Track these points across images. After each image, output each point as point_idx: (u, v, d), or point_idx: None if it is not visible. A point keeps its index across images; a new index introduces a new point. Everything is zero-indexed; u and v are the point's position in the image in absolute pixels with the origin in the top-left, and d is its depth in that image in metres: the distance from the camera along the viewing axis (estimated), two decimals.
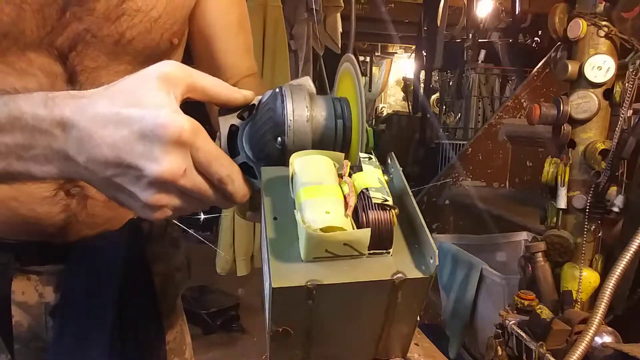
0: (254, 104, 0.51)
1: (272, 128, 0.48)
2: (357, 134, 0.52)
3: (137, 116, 0.41)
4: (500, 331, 1.13)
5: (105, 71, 0.67)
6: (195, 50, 0.85)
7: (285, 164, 0.49)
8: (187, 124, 0.42)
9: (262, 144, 0.49)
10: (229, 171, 0.46)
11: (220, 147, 0.49)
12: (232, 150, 0.51)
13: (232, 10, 0.85)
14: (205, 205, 0.48)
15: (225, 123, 0.50)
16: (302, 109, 0.48)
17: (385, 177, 0.51)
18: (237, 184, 0.48)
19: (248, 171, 0.50)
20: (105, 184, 0.44)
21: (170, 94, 0.43)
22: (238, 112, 0.51)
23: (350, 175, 0.50)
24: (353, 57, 0.55)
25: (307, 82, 0.53)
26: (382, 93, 8.56)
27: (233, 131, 0.50)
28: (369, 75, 7.54)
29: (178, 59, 0.79)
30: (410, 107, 6.41)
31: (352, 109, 0.52)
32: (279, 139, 0.48)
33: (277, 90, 0.50)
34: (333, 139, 0.50)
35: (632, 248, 0.91)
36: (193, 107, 0.51)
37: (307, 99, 0.49)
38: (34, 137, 0.43)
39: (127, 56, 0.68)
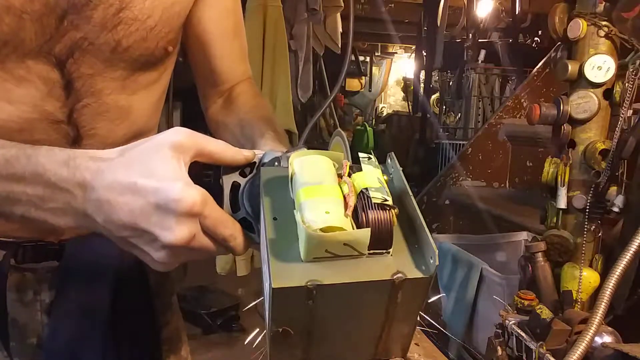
0: (254, 162, 0.55)
1: None
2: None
3: (153, 188, 0.46)
4: (500, 331, 1.13)
5: (101, 78, 0.69)
6: (191, 56, 0.87)
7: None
8: (198, 197, 0.46)
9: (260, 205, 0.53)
10: (232, 231, 0.51)
11: (223, 202, 0.54)
12: (234, 205, 0.54)
13: (227, 16, 0.86)
14: (209, 256, 0.53)
15: (228, 181, 0.54)
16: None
17: (385, 177, 0.51)
18: (239, 241, 0.52)
19: (247, 226, 0.54)
20: (121, 241, 0.49)
21: (181, 161, 0.48)
22: (240, 169, 0.55)
23: (349, 175, 0.51)
24: (343, 134, 0.61)
25: (304, 150, 0.57)
26: (382, 93, 8.55)
27: (235, 187, 0.55)
28: (369, 75, 7.54)
29: (171, 65, 0.80)
30: (410, 107, 6.41)
31: None
32: None
33: (276, 157, 0.55)
34: None
35: (632, 248, 0.91)
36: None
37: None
38: (54, 193, 0.48)
39: (123, 63, 0.70)
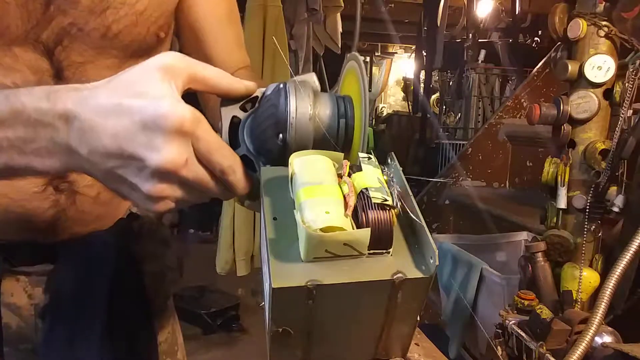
0: (256, 96, 0.50)
1: (274, 124, 0.48)
2: (360, 134, 0.51)
3: (138, 106, 0.41)
4: (500, 331, 1.13)
5: (92, 65, 0.67)
6: (185, 45, 0.85)
7: (286, 160, 0.49)
8: (188, 114, 0.42)
9: (264, 139, 0.49)
10: (231, 162, 0.46)
11: (221, 138, 0.48)
12: (233, 142, 0.50)
13: (221, 3, 0.84)
14: (207, 196, 0.48)
15: (227, 114, 0.50)
16: (305, 107, 0.48)
17: (385, 177, 0.51)
18: (239, 175, 0.48)
19: (248, 164, 0.50)
20: (108, 176, 0.44)
21: (172, 84, 0.44)
22: (240, 103, 0.50)
23: (349, 175, 0.51)
24: (359, 56, 0.54)
25: (312, 78, 0.52)
26: (382, 93, 8.55)
27: (235, 123, 0.50)
28: (369, 75, 7.54)
29: (163, 51, 0.78)
30: (410, 107, 6.41)
31: (356, 108, 0.51)
32: (281, 135, 0.47)
33: (281, 85, 0.49)
34: (335, 138, 0.50)
35: (632, 248, 0.91)
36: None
37: (310, 96, 0.48)
38: (36, 130, 0.43)
39: (114, 50, 0.68)
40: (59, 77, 0.65)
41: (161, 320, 0.88)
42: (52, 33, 0.63)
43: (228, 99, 0.51)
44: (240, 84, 0.50)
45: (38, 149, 0.44)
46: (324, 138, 0.49)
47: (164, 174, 0.43)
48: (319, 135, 0.49)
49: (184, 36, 0.84)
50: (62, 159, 0.45)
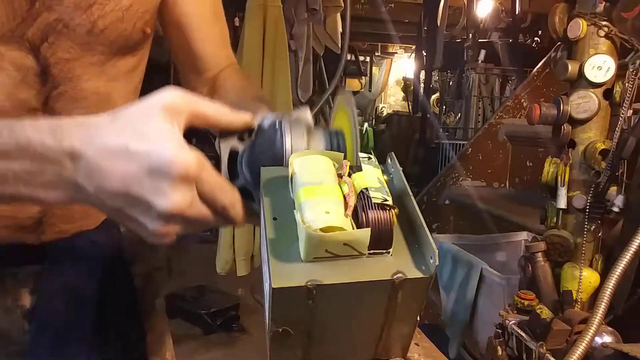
0: (252, 128, 0.52)
1: (270, 161, 0.50)
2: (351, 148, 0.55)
3: (145, 152, 0.43)
4: (500, 331, 1.13)
5: (79, 63, 0.67)
6: (171, 42, 0.85)
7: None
8: (193, 160, 0.44)
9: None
10: (232, 199, 0.48)
11: (221, 169, 0.51)
12: (232, 172, 0.52)
13: (206, 0, 0.85)
14: (206, 227, 0.50)
15: (226, 147, 0.51)
16: (300, 144, 0.51)
17: (385, 177, 0.51)
18: (238, 210, 0.50)
19: (246, 194, 0.51)
20: (115, 212, 0.46)
21: (174, 124, 0.45)
22: (238, 133, 0.52)
23: (349, 175, 0.51)
24: (350, 92, 0.57)
25: (306, 114, 0.55)
26: (382, 93, 8.55)
27: (233, 154, 0.52)
28: (369, 75, 7.54)
29: (148, 48, 0.78)
30: (410, 107, 6.41)
31: (347, 142, 0.54)
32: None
33: (277, 122, 0.52)
34: None
35: (632, 248, 0.91)
36: None
37: (305, 134, 0.51)
38: (43, 165, 0.45)
39: (100, 46, 0.67)
40: (44, 74, 0.65)
41: (150, 321, 0.88)
42: (37, 30, 0.62)
43: (226, 132, 0.52)
44: (238, 120, 0.51)
45: (44, 182, 0.45)
46: None
47: (169, 216, 0.45)
48: None
49: (170, 33, 0.83)
50: (68, 192, 0.46)
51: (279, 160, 0.50)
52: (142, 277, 0.85)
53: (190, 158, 0.43)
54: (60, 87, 0.66)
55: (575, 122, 1.15)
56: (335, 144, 0.53)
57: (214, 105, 0.50)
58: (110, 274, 0.76)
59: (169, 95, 0.46)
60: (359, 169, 0.52)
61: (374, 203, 0.46)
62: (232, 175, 0.52)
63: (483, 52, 4.55)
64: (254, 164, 0.51)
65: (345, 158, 0.53)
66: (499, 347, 1.11)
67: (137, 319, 0.83)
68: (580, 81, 1.13)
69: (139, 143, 0.43)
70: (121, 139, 0.44)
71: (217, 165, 0.50)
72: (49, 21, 0.62)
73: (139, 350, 0.83)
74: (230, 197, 0.48)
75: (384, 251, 0.47)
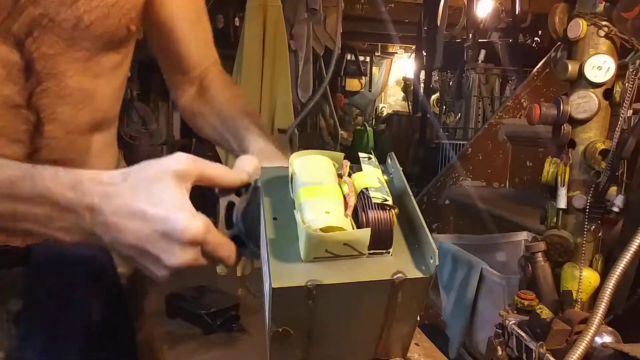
0: (249, 183, 0.58)
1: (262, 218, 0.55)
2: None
3: (161, 218, 0.49)
4: (500, 331, 1.13)
5: (63, 58, 0.66)
6: (155, 43, 0.85)
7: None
8: (201, 227, 0.50)
9: (254, 226, 0.56)
10: (229, 253, 0.55)
11: (219, 220, 0.57)
12: (228, 222, 0.57)
13: (191, 2, 0.85)
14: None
15: (224, 201, 0.57)
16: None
17: (385, 177, 0.51)
18: (233, 259, 0.56)
19: (239, 242, 0.57)
20: (127, 258, 0.53)
21: (184, 188, 0.51)
22: (235, 190, 0.58)
23: (349, 175, 0.51)
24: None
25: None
26: (382, 93, 8.54)
27: (230, 205, 0.58)
28: (369, 75, 7.53)
29: (132, 47, 0.78)
30: (410, 107, 6.40)
31: None
32: None
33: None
34: None
35: (632, 248, 0.91)
36: None
37: None
38: (62, 214, 0.51)
39: (85, 42, 0.67)
40: (28, 69, 0.64)
41: (140, 322, 0.88)
42: (23, 24, 0.62)
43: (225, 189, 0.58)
44: (238, 179, 0.57)
45: (61, 227, 0.51)
46: None
47: (176, 269, 0.52)
48: None
49: (155, 34, 0.84)
50: (83, 237, 0.52)
51: None
52: (128, 278, 0.84)
53: (199, 226, 0.50)
54: (44, 83, 0.66)
55: (575, 122, 1.15)
56: None
57: (217, 167, 0.55)
58: (97, 275, 0.76)
59: (180, 161, 0.52)
60: (359, 169, 0.52)
61: (374, 203, 0.46)
62: (228, 225, 0.57)
63: (483, 52, 4.54)
64: (248, 217, 0.56)
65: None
66: (499, 347, 1.11)
67: (126, 321, 0.83)
68: (580, 81, 1.13)
69: (154, 209, 0.49)
70: (137, 202, 0.50)
71: (215, 209, 0.57)
72: (34, 15, 0.62)
73: (128, 351, 0.83)
74: (227, 251, 0.55)
75: (384, 251, 0.48)
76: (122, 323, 0.82)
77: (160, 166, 0.52)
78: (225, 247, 0.54)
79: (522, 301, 1.11)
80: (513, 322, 1.09)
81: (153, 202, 0.50)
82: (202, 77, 0.89)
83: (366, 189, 0.47)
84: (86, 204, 0.50)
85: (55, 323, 0.71)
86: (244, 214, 0.57)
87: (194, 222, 0.50)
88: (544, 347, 0.97)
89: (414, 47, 5.63)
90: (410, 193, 0.52)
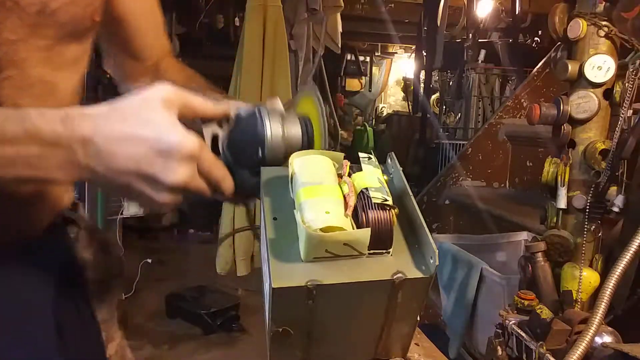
0: (229, 116, 0.62)
1: (254, 142, 0.59)
2: (319, 146, 0.63)
3: (154, 136, 0.50)
4: (500, 331, 1.13)
5: (24, 45, 0.63)
6: (108, 34, 0.84)
7: (264, 168, 0.58)
8: (197, 142, 0.51)
9: (244, 154, 0.59)
10: (223, 174, 0.56)
11: None
12: (215, 153, 0.59)
13: None
14: (200, 198, 0.57)
15: (208, 132, 0.60)
16: (278, 129, 0.60)
17: (385, 177, 0.51)
18: (229, 182, 0.57)
19: (228, 170, 0.60)
20: (121, 187, 0.52)
21: (172, 113, 0.52)
22: (217, 121, 0.61)
23: (349, 175, 0.51)
24: (315, 86, 0.69)
25: (278, 103, 0.65)
26: (382, 93, 8.54)
27: (214, 138, 0.60)
28: (369, 75, 7.53)
29: (92, 41, 0.76)
30: (410, 107, 6.40)
31: (315, 126, 0.64)
32: (260, 151, 0.59)
33: (257, 111, 0.61)
34: (299, 146, 0.61)
35: (632, 248, 0.91)
36: None
37: (281, 120, 0.61)
38: (53, 150, 0.50)
39: (49, 30, 0.65)
40: None
41: (109, 331, 0.84)
42: None
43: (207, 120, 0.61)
44: (219, 109, 0.60)
45: (52, 165, 0.50)
46: (292, 150, 0.60)
47: (175, 189, 0.52)
48: (289, 148, 0.60)
49: (108, 25, 0.82)
50: (75, 173, 0.51)
51: (261, 142, 0.59)
52: (96, 285, 0.81)
53: (194, 140, 0.51)
54: (5, 72, 0.63)
55: (575, 122, 1.15)
56: (304, 127, 0.62)
57: (198, 98, 0.57)
58: (65, 282, 0.72)
59: (164, 89, 0.53)
60: (359, 169, 0.52)
61: (374, 203, 0.46)
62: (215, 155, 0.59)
63: (483, 52, 4.54)
64: (235, 145, 0.60)
65: (313, 143, 0.60)
66: (499, 347, 1.11)
67: (96, 330, 0.79)
68: (580, 81, 1.13)
69: (146, 129, 0.50)
70: (128, 126, 0.50)
71: None
72: None
73: (95, 347, 0.79)
74: (222, 172, 0.56)
75: (384, 251, 0.48)
76: (93, 334, 0.79)
77: (146, 94, 0.53)
78: (220, 167, 0.56)
79: (522, 301, 1.11)
80: (513, 322, 1.09)
81: (145, 124, 0.50)
82: (157, 65, 0.89)
83: (366, 189, 0.47)
84: (77, 137, 0.50)
85: (22, 333, 0.67)
86: (229, 143, 0.60)
87: (189, 138, 0.51)
88: (544, 347, 0.97)
89: (414, 47, 5.63)
90: (410, 193, 0.52)
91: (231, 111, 0.62)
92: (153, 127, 0.50)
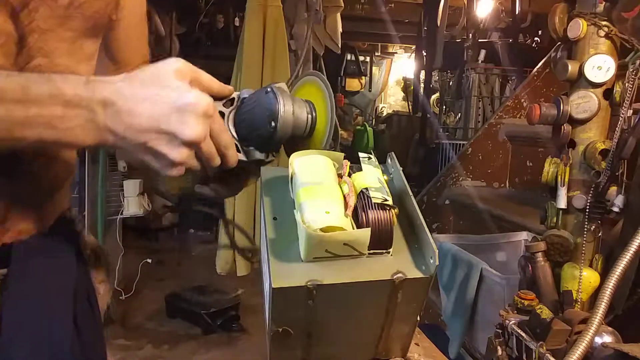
0: (233, 97, 0.65)
1: (266, 114, 0.62)
2: (324, 127, 0.65)
3: (172, 96, 0.54)
4: (500, 331, 1.12)
5: (53, 35, 0.66)
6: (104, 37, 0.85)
7: (272, 144, 0.60)
8: (211, 101, 0.55)
9: (256, 126, 0.62)
10: (230, 140, 0.60)
11: None
12: None
13: (141, 3, 0.88)
14: (208, 168, 0.59)
15: (216, 107, 0.62)
16: (289, 105, 0.63)
17: (385, 177, 0.51)
18: (232, 151, 0.60)
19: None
20: (138, 147, 0.55)
21: (186, 82, 0.55)
22: (224, 101, 0.64)
23: (349, 175, 0.51)
24: (319, 73, 0.71)
25: (285, 85, 0.67)
26: (382, 93, 8.54)
27: (221, 115, 0.63)
28: (369, 75, 7.53)
29: (101, 41, 0.79)
30: (410, 107, 6.40)
31: (320, 110, 0.66)
32: (273, 123, 0.61)
33: (269, 89, 0.64)
34: (304, 128, 0.64)
35: (632, 248, 0.91)
36: None
37: (291, 99, 0.64)
38: (75, 111, 0.53)
39: (75, 22, 0.68)
40: (21, 43, 0.64)
41: (106, 331, 0.87)
42: None
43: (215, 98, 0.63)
44: (226, 88, 0.63)
45: (74, 126, 0.53)
46: (298, 127, 0.63)
47: (190, 145, 0.54)
48: (296, 124, 0.63)
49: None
50: (95, 135, 0.54)
51: (275, 115, 0.61)
52: (93, 250, 0.84)
53: (209, 100, 0.55)
54: (35, 60, 0.65)
55: (575, 122, 1.15)
56: (309, 109, 0.64)
57: (207, 75, 0.60)
58: (77, 277, 0.74)
59: (177, 62, 0.56)
60: (359, 169, 0.51)
61: (374, 203, 0.46)
62: None
63: (483, 52, 4.54)
64: (248, 119, 0.63)
65: (316, 122, 0.62)
66: (499, 347, 1.11)
67: (99, 328, 0.82)
68: (580, 81, 1.13)
69: (165, 91, 0.54)
70: (148, 89, 0.54)
71: None
72: None
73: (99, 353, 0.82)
74: (229, 138, 0.60)
75: (384, 251, 0.48)
76: (98, 332, 0.81)
77: (160, 65, 0.56)
78: (228, 134, 0.59)
79: (522, 301, 1.11)
80: (513, 322, 1.09)
81: (162, 87, 0.54)
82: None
83: (366, 189, 0.47)
84: (98, 99, 0.53)
85: (41, 328, 0.68)
86: (235, 119, 0.64)
87: (205, 96, 0.55)
88: (544, 347, 0.97)
89: (414, 47, 5.63)
90: (410, 193, 0.52)
91: (235, 94, 0.65)
92: (170, 89, 0.54)
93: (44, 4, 0.64)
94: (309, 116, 0.64)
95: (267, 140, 0.62)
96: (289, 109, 0.62)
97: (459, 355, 1.79)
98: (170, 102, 0.54)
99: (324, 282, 0.44)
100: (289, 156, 0.63)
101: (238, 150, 0.62)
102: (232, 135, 0.62)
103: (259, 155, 0.61)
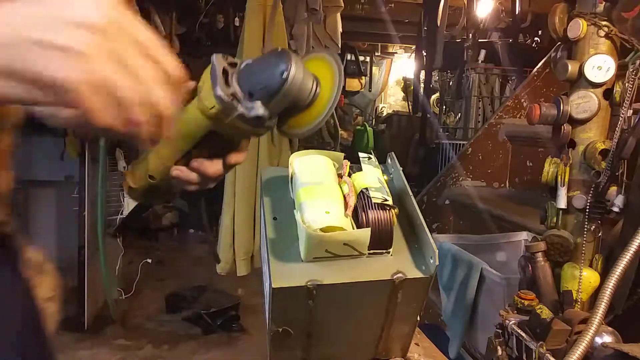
0: (236, 62, 0.63)
1: (280, 65, 0.60)
2: (324, 102, 0.64)
3: (57, 3, 0.41)
4: (500, 331, 1.12)
5: None
6: None
7: (277, 99, 0.59)
8: (115, 15, 0.42)
9: (264, 77, 0.60)
10: (164, 53, 0.46)
11: (216, 78, 0.59)
12: (226, 82, 0.61)
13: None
14: (145, 92, 0.45)
15: (220, 65, 0.61)
16: (300, 64, 0.62)
17: (385, 177, 0.51)
18: (172, 61, 0.47)
19: (235, 99, 0.60)
20: (25, 47, 0.41)
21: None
22: (227, 62, 0.63)
23: (350, 175, 0.51)
24: (333, 54, 0.69)
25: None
26: (382, 93, 8.53)
27: (224, 72, 0.61)
28: (369, 75, 7.52)
29: None
30: (410, 107, 6.40)
31: (327, 81, 0.65)
32: (285, 74, 0.60)
33: (280, 49, 0.63)
34: (307, 94, 0.63)
35: (632, 248, 0.91)
36: None
37: (301, 62, 0.63)
38: None
39: None
40: None
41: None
42: None
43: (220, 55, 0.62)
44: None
45: None
46: (304, 90, 0.62)
47: (93, 28, 0.41)
48: (302, 87, 0.62)
49: None
50: None
51: (286, 64, 0.59)
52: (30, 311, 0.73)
53: (109, 13, 0.41)
54: None
55: (575, 122, 1.15)
56: (314, 77, 0.63)
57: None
58: (19, 303, 0.66)
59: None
60: (359, 169, 0.51)
61: (374, 203, 0.46)
62: (227, 84, 0.61)
63: (483, 52, 4.54)
64: (243, 80, 0.61)
65: (319, 90, 0.62)
66: (499, 347, 1.11)
67: (47, 350, 0.72)
68: (580, 81, 1.13)
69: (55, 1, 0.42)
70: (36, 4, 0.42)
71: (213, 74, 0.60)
72: None
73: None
74: (163, 51, 0.46)
75: (384, 251, 0.48)
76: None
77: None
78: (162, 47, 0.46)
79: (522, 301, 1.11)
80: (513, 322, 1.09)
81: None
82: None
83: (366, 189, 0.47)
84: None
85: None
86: (239, 76, 0.62)
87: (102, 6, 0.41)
88: (544, 347, 0.97)
89: (414, 47, 5.63)
90: (410, 193, 0.52)
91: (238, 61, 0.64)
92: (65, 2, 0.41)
93: None
94: (314, 84, 0.63)
95: (273, 93, 0.60)
96: (300, 66, 0.61)
97: (459, 355, 1.79)
98: (50, 8, 0.41)
99: (324, 282, 0.44)
100: (279, 131, 0.62)
101: (240, 103, 0.59)
102: (235, 89, 0.60)
103: (262, 110, 0.59)
